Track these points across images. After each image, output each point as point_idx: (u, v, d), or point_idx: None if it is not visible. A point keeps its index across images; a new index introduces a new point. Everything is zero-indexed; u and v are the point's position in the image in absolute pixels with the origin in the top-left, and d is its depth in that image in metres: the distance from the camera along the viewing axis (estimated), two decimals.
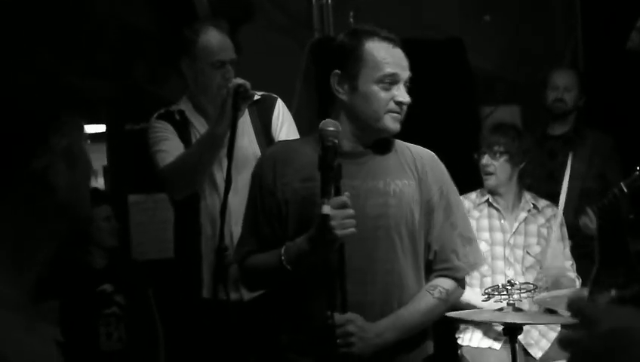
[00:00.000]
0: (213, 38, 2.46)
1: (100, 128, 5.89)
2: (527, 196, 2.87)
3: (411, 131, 3.33)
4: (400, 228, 1.82)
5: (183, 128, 2.51)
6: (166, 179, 2.49)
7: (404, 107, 1.84)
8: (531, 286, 2.41)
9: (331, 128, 1.76)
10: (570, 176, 3.21)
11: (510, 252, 2.79)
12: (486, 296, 2.41)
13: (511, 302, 2.27)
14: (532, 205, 2.85)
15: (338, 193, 1.73)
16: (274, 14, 3.56)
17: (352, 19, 3.69)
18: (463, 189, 2.98)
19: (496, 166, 2.76)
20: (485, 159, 2.78)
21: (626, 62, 3.55)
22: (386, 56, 1.81)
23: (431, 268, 1.91)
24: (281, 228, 1.87)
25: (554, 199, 2.99)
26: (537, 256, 2.78)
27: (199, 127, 2.52)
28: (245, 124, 2.52)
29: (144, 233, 3.72)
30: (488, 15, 3.99)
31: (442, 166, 1.98)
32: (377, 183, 1.84)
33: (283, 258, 1.79)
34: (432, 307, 1.86)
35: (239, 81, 2.30)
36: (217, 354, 2.38)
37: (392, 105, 1.81)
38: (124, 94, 3.85)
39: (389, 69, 1.80)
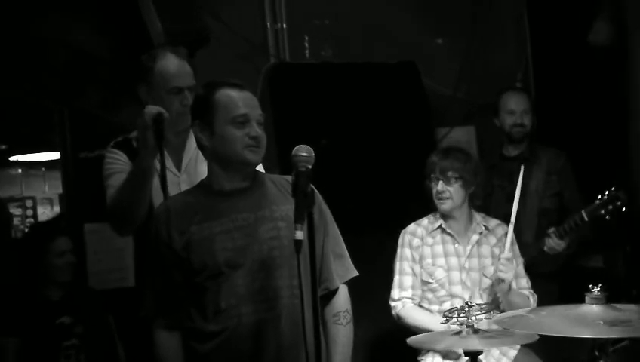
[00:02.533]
0: (171, 64, 2.45)
1: (55, 156, 5.81)
2: (478, 218, 2.92)
3: (367, 154, 3.42)
4: (292, 249, 1.91)
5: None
6: (108, 218, 2.48)
7: (261, 141, 2.04)
8: (488, 306, 2.45)
9: (304, 154, 1.84)
10: (527, 194, 3.28)
11: (467, 276, 2.83)
12: (445, 319, 2.43)
13: (469, 323, 2.29)
14: (483, 227, 2.89)
15: (311, 219, 1.77)
16: (229, 39, 3.57)
17: (307, 44, 3.72)
18: (419, 211, 3.05)
19: (451, 191, 2.80)
20: (440, 185, 2.81)
21: (578, 72, 3.65)
22: (235, 99, 2.03)
23: None
24: (183, 274, 2.01)
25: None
26: (493, 277, 2.80)
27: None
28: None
29: (101, 262, 3.66)
30: (441, 39, 4.06)
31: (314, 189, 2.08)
32: (264, 212, 2.03)
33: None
34: (350, 332, 2.09)
35: (155, 109, 2.27)
36: None
37: (247, 140, 2.01)
38: (77, 121, 3.80)
39: (239, 111, 2.01)
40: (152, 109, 2.27)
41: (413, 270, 2.88)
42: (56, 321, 2.81)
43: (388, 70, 3.58)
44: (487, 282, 2.82)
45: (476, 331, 2.29)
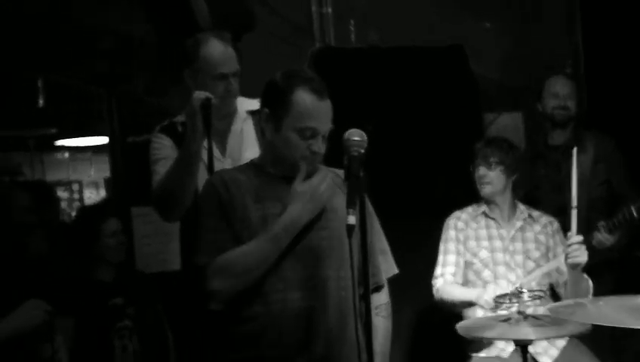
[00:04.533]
0: (215, 49, 2.42)
1: (101, 140, 5.91)
2: (522, 207, 2.97)
3: (413, 140, 3.38)
4: (341, 239, 1.91)
5: (184, 140, 2.45)
6: (154, 203, 2.48)
7: (320, 156, 1.96)
8: (541, 293, 2.41)
9: (357, 138, 1.80)
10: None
11: (510, 258, 2.86)
12: (495, 305, 2.41)
13: (521, 310, 2.26)
14: (527, 214, 2.94)
15: (363, 204, 1.74)
16: (275, 23, 3.56)
17: (352, 28, 3.69)
18: (465, 198, 3.04)
19: (492, 176, 2.86)
20: (481, 170, 2.89)
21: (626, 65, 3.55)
22: (310, 110, 1.90)
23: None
24: (236, 242, 1.94)
25: (563, 210, 3.00)
26: (538, 261, 2.85)
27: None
28: (249, 133, 2.52)
29: (149, 245, 3.71)
30: (489, 23, 3.99)
31: None
32: None
33: (276, 233, 1.89)
34: (389, 324, 2.07)
35: (203, 94, 2.26)
36: None
37: (306, 152, 1.93)
38: (125, 105, 3.85)
39: (310, 123, 1.91)
40: (200, 95, 2.26)
41: (457, 249, 2.92)
42: (109, 302, 2.85)
43: (435, 54, 3.53)
44: (531, 265, 2.84)
45: (526, 317, 2.26)
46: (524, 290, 2.33)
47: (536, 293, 2.40)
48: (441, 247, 2.96)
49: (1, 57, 3.63)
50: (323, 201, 1.93)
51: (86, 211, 3.31)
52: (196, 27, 3.25)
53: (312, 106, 1.90)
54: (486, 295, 2.68)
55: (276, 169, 1.99)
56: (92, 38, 3.63)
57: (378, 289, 2.06)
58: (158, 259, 3.69)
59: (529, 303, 2.36)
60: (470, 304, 2.77)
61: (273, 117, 1.94)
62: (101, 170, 6.78)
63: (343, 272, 1.95)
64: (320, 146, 1.93)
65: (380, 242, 2.11)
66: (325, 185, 1.92)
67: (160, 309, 3.04)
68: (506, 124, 3.85)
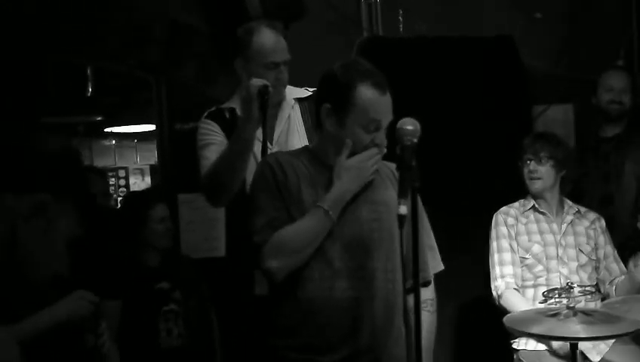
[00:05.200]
0: (267, 39, 2.44)
1: (147, 128, 6.00)
2: (569, 202, 2.97)
3: (461, 131, 3.34)
4: (391, 232, 1.93)
5: (231, 126, 2.49)
6: (203, 189, 2.49)
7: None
8: (592, 289, 2.38)
9: (410, 127, 1.78)
10: (624, 175, 3.21)
11: (563, 251, 2.84)
12: (543, 299, 2.38)
13: (571, 305, 2.22)
14: (576, 209, 2.95)
15: (415, 194, 1.73)
16: (323, 12, 3.55)
17: (401, 18, 3.66)
18: (514, 193, 3.01)
19: (542, 171, 2.87)
20: (532, 165, 2.89)
21: None
22: (375, 104, 1.92)
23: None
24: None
25: (609, 201, 2.98)
26: (590, 255, 2.84)
27: None
28: (296, 121, 2.53)
29: (194, 231, 3.76)
30: (539, 12, 3.91)
31: None
32: (367, 193, 1.98)
33: (326, 208, 1.91)
34: (434, 319, 2.08)
35: (261, 82, 2.28)
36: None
37: (370, 145, 1.96)
38: (173, 93, 3.89)
39: (375, 117, 1.93)
40: (257, 82, 2.27)
41: (511, 246, 2.89)
42: (156, 286, 2.89)
43: (484, 45, 3.47)
44: (584, 259, 2.82)
45: (576, 313, 2.22)
46: (575, 285, 2.30)
47: (587, 289, 2.37)
48: (493, 245, 2.91)
49: (51, 45, 3.70)
50: (368, 176, 1.96)
51: (134, 197, 3.36)
52: (246, 16, 3.26)
53: (377, 101, 1.91)
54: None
55: (332, 159, 1.99)
56: (142, 25, 3.67)
57: (425, 284, 2.05)
58: (204, 245, 3.74)
59: (579, 298, 2.32)
60: None
61: (335, 112, 1.94)
62: (146, 157, 6.90)
63: (391, 265, 1.95)
64: (382, 139, 1.95)
65: (428, 238, 2.11)
66: (372, 161, 1.95)
67: (205, 294, 3.07)
68: (556, 116, 3.77)
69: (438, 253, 2.13)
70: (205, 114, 2.60)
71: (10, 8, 3.38)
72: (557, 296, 2.33)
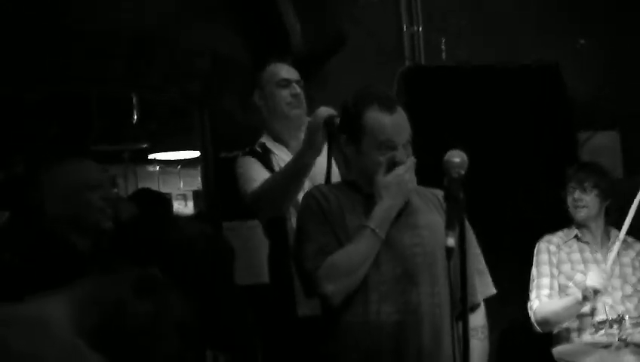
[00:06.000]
0: (278, 65, 2.63)
1: (190, 154, 6.11)
2: (614, 232, 2.92)
3: (505, 159, 3.32)
4: (435, 256, 1.97)
5: (265, 158, 2.61)
6: (253, 204, 2.56)
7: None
8: None
9: (457, 160, 1.80)
10: None
11: (608, 282, 2.77)
12: (594, 330, 2.35)
13: (623, 337, 2.18)
14: (623, 239, 2.85)
15: (462, 226, 1.73)
16: (365, 43, 3.58)
17: (443, 47, 3.67)
18: (558, 216, 2.97)
19: (587, 200, 2.86)
20: (576, 193, 2.88)
21: None
22: (383, 125, 1.99)
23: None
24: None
25: None
26: (635, 286, 2.80)
27: (280, 154, 2.61)
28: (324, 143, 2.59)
29: (238, 259, 3.79)
30: (584, 39, 3.88)
31: None
32: (409, 218, 2.02)
33: (373, 227, 1.95)
34: (486, 347, 2.07)
35: (327, 111, 2.33)
36: None
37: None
38: (216, 122, 3.97)
39: (385, 137, 1.98)
40: (323, 111, 2.33)
41: (551, 272, 2.88)
42: None
43: (528, 72, 3.46)
44: (629, 290, 2.79)
45: (628, 345, 2.19)
46: (627, 317, 2.26)
47: (639, 320, 2.32)
48: (534, 271, 2.91)
49: (99, 75, 3.81)
50: (409, 189, 2.00)
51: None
52: (289, 47, 3.32)
53: (384, 123, 1.98)
54: (589, 280, 2.65)
55: (363, 187, 2.05)
56: (185, 58, 3.76)
57: (473, 309, 2.05)
58: (247, 273, 3.77)
59: (630, 330, 2.28)
60: (576, 311, 2.71)
61: (351, 141, 2.04)
62: (189, 183, 7.00)
63: (438, 289, 1.96)
64: (402, 157, 1.99)
65: (478, 262, 2.11)
66: (409, 174, 1.98)
67: (251, 320, 3.08)
68: (601, 143, 3.72)
69: (488, 277, 2.13)
70: (240, 154, 2.73)
71: (58, 42, 3.49)
72: (608, 327, 2.29)
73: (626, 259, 2.87)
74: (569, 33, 3.84)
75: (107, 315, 1.17)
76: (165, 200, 4.08)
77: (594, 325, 2.43)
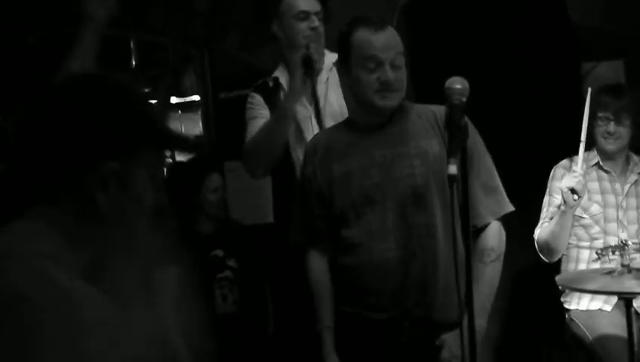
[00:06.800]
0: None
1: (190, 98, 6.05)
2: (636, 158, 2.83)
3: (508, 90, 3.28)
4: (428, 186, 1.95)
5: (274, 95, 2.61)
6: (243, 160, 2.62)
7: (393, 85, 2.00)
8: None
9: (458, 86, 1.76)
10: None
11: (624, 214, 2.73)
12: (597, 257, 2.35)
13: (625, 263, 2.19)
14: None
15: (464, 153, 1.71)
16: None
17: None
18: (559, 146, 2.92)
19: (622, 133, 2.72)
20: (612, 126, 2.72)
21: None
22: (369, 41, 2.00)
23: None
24: (327, 211, 2.07)
25: None
26: None
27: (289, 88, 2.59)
28: (332, 82, 2.59)
29: (241, 199, 3.80)
30: None
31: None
32: (403, 148, 2.01)
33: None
34: (494, 271, 2.00)
35: (303, 51, 2.39)
36: None
37: (377, 85, 1.99)
38: (216, 63, 3.91)
39: (371, 53, 1.99)
40: (299, 52, 2.38)
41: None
42: (210, 254, 2.94)
43: (531, 0, 3.39)
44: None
45: (630, 270, 2.19)
46: (629, 242, 2.26)
47: None
48: (545, 200, 2.82)
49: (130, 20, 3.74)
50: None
51: (188, 166, 3.39)
52: None
53: (369, 38, 2.00)
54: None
55: (364, 119, 2.05)
56: None
57: (480, 230, 1.99)
58: (251, 212, 3.78)
59: (634, 255, 2.29)
60: (567, 221, 2.61)
61: (343, 63, 2.07)
62: (190, 127, 6.95)
63: (432, 220, 1.95)
64: (388, 75, 1.97)
65: (490, 179, 2.04)
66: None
67: (259, 260, 3.11)
68: (605, 73, 3.66)
69: (501, 194, 2.04)
70: (252, 87, 2.71)
71: None
72: (611, 253, 2.29)
73: None
74: None
75: None
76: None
77: (597, 252, 2.41)
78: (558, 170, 2.82)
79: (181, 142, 1.19)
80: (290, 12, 2.56)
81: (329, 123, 2.49)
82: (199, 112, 4.78)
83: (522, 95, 3.29)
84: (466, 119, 1.79)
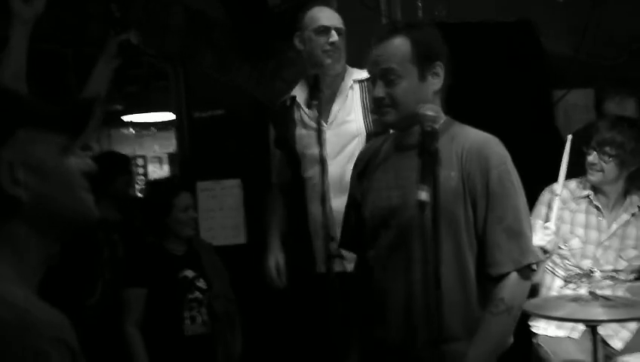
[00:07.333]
0: (319, 9, 2.67)
1: (165, 116, 6.02)
2: (634, 198, 2.70)
3: (481, 115, 3.30)
4: (436, 220, 1.72)
5: (289, 115, 2.67)
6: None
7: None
8: (613, 273, 2.34)
9: (431, 113, 1.76)
10: None
11: (602, 253, 2.65)
12: (564, 284, 2.35)
13: (592, 290, 2.20)
14: (638, 208, 2.69)
15: (435, 179, 1.70)
16: (343, 1, 3.53)
17: (419, 4, 3.63)
18: (531, 174, 2.92)
19: (603, 166, 2.60)
20: (593, 157, 2.61)
21: None
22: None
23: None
24: (358, 216, 2.00)
25: None
26: (631, 261, 2.64)
27: (305, 106, 2.65)
28: (353, 101, 2.63)
29: (213, 219, 3.78)
30: None
31: (492, 152, 1.87)
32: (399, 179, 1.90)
33: None
34: (499, 325, 1.79)
35: (314, 71, 2.47)
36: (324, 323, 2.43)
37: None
38: (192, 82, 3.90)
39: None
40: (311, 71, 2.50)
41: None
42: (180, 275, 2.91)
43: (504, 29, 3.44)
44: (623, 264, 2.64)
45: (597, 298, 2.20)
46: (596, 270, 2.28)
47: (609, 273, 2.34)
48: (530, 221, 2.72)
49: (69, 34, 3.71)
50: None
51: (159, 185, 3.36)
52: (265, 5, 3.26)
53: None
54: (535, 239, 2.31)
55: (399, 136, 1.95)
56: (160, 16, 3.67)
57: (499, 279, 1.79)
58: (223, 233, 3.76)
59: (601, 283, 2.30)
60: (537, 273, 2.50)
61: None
62: (164, 145, 6.93)
63: (438, 253, 1.74)
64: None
65: (515, 222, 1.81)
66: None
67: (228, 281, 3.09)
68: (576, 101, 3.73)
69: (527, 241, 1.82)
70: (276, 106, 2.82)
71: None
72: (578, 280, 2.29)
73: (632, 231, 2.65)
74: None
75: None
76: (128, 162, 4.04)
77: (565, 279, 2.41)
78: (546, 195, 2.72)
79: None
80: (311, 26, 2.60)
81: (341, 143, 2.53)
82: (173, 131, 4.75)
83: (493, 121, 3.31)
84: (505, 157, 1.79)
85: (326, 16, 2.62)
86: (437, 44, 1.94)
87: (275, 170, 2.82)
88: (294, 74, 3.07)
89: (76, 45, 3.91)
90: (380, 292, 1.90)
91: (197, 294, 2.90)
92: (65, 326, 1.02)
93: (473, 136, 1.90)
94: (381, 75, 1.89)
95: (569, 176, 2.67)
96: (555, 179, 2.65)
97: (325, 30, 2.59)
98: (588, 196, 2.70)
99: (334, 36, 2.57)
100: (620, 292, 2.45)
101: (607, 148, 2.57)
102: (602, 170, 2.61)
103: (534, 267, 1.79)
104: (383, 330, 1.89)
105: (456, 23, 3.48)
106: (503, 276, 1.78)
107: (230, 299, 3.02)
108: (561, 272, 2.69)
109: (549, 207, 2.65)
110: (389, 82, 1.88)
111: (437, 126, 1.78)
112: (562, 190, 2.63)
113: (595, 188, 2.69)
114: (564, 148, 2.61)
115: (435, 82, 1.89)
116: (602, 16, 3.78)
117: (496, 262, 1.79)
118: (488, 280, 1.80)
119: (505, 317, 1.79)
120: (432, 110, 1.79)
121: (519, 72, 3.39)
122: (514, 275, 1.80)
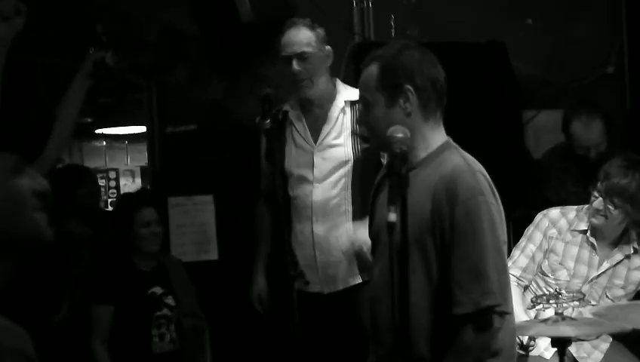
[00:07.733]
0: (287, 33, 2.61)
1: (138, 129, 5.98)
2: (633, 235, 2.64)
3: (451, 135, 3.34)
4: (404, 245, 1.65)
5: (279, 130, 2.64)
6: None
7: (301, 74, 2.57)
8: (579, 295, 2.38)
9: (400, 135, 1.73)
10: None
11: (589, 289, 2.63)
12: (532, 305, 2.38)
13: (559, 311, 2.23)
14: (633, 249, 2.64)
15: (404, 201, 1.66)
16: (315, 17, 3.54)
17: (392, 23, 3.67)
18: (500, 196, 2.94)
19: (608, 213, 2.53)
20: (597, 203, 2.53)
21: None
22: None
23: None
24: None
25: None
26: (617, 300, 2.62)
27: (298, 125, 2.65)
28: (342, 123, 2.62)
29: (184, 235, 3.75)
30: (530, 18, 3.93)
31: (461, 184, 1.78)
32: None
33: None
34: None
35: (263, 91, 2.39)
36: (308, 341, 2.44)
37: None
38: (164, 96, 3.88)
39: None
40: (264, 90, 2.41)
41: (534, 256, 2.67)
42: (148, 292, 2.88)
43: (475, 50, 3.49)
44: (607, 302, 2.62)
45: (564, 319, 2.24)
46: (563, 292, 2.31)
47: (574, 295, 2.37)
48: (522, 242, 2.68)
49: (40, 46, 3.68)
50: None
51: (123, 200, 3.33)
52: (237, 20, 3.26)
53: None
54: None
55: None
56: (135, 28, 3.65)
57: (464, 320, 1.71)
58: (194, 248, 3.73)
59: (567, 305, 2.33)
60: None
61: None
62: (137, 159, 6.87)
63: (417, 275, 1.75)
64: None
65: (480, 261, 1.71)
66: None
67: (196, 298, 3.07)
68: (545, 122, 3.79)
69: (490, 283, 1.70)
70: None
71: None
72: (545, 301, 2.32)
73: (622, 270, 2.62)
74: (517, 13, 3.89)
75: None
76: (90, 175, 3.98)
77: (532, 300, 2.42)
78: (544, 221, 2.68)
79: None
80: (280, 52, 2.62)
81: (328, 166, 2.55)
82: (145, 144, 4.72)
83: (462, 142, 3.35)
84: (475, 190, 1.72)
85: (289, 43, 2.57)
86: (408, 67, 1.90)
87: (264, 181, 2.77)
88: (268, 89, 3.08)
89: (47, 56, 3.88)
90: (370, 311, 1.94)
91: (165, 311, 2.87)
92: (24, 338, 1.01)
93: (450, 165, 1.83)
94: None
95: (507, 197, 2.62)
96: (527, 201, 2.66)
97: (287, 59, 2.56)
98: (585, 231, 2.64)
99: (294, 65, 2.54)
100: (587, 314, 2.48)
101: (616, 199, 2.49)
102: (606, 216, 2.54)
103: (500, 309, 1.71)
104: (375, 348, 1.92)
105: (427, 43, 3.50)
106: (464, 316, 1.72)
107: (199, 316, 3.00)
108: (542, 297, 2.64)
109: (545, 235, 2.63)
110: (365, 109, 1.91)
111: (405, 148, 1.71)
112: (561, 219, 2.66)
113: (594, 229, 2.63)
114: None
115: (407, 106, 1.86)
116: (570, 38, 3.86)
117: (457, 302, 1.72)
118: (452, 318, 1.74)
119: (464, 358, 1.72)
120: (401, 132, 1.75)
121: (490, 93, 3.44)
122: (474, 316, 1.71)
